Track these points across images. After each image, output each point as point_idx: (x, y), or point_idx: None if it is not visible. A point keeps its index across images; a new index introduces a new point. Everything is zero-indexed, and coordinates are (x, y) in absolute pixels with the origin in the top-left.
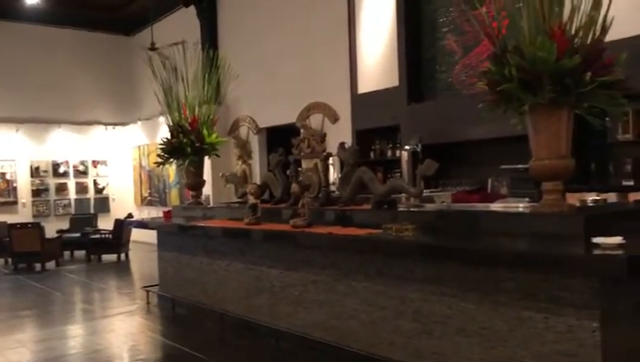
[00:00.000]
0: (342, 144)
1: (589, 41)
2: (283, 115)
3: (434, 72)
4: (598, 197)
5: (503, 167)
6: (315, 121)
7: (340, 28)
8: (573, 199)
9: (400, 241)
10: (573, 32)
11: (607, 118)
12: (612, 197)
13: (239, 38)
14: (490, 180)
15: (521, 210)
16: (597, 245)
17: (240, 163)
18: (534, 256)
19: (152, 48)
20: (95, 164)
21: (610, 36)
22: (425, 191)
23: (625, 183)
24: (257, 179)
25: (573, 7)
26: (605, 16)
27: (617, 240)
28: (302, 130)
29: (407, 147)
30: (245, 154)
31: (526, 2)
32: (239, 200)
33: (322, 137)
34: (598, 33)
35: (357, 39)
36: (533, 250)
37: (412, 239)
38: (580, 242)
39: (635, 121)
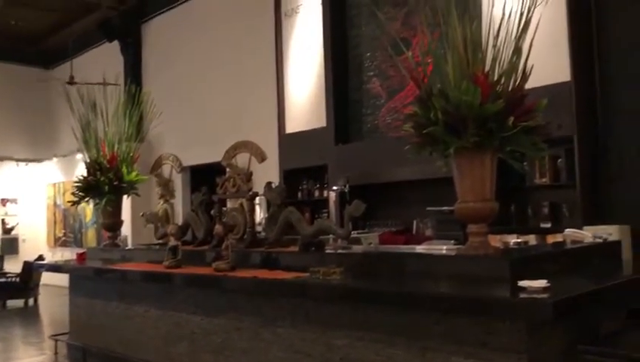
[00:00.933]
0: (269, 183)
1: (510, 87)
2: (208, 153)
3: (360, 114)
4: (519, 240)
5: (429, 208)
6: (242, 160)
7: (268, 68)
8: (495, 241)
9: (327, 285)
10: (495, 77)
11: (525, 163)
12: (532, 239)
13: (164, 75)
14: (415, 221)
15: (447, 252)
16: (523, 288)
17: (162, 202)
18: (461, 299)
19: (71, 82)
20: (4, 202)
21: (530, 83)
22: (352, 232)
23: (543, 225)
24: (180, 219)
25: (496, 53)
26: (525, 63)
27: (542, 283)
28: (228, 169)
29: (334, 187)
30: (167, 193)
31: (451, 48)
32: (159, 241)
33: (248, 176)
34: (519, 80)
35: (285, 79)
36: (460, 294)
37: (340, 283)
38: (507, 285)
39: (551, 165)
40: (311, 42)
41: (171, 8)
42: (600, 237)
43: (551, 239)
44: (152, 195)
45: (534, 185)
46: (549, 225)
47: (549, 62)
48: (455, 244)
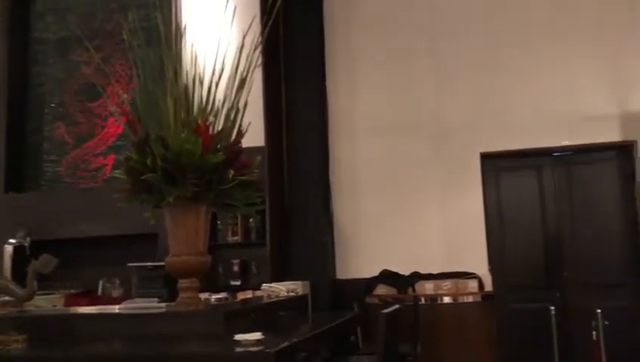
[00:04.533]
0: None
1: (230, 141)
2: None
3: (40, 161)
4: (220, 296)
5: (130, 264)
6: None
7: None
8: None
9: (7, 357)
10: (215, 130)
11: (218, 221)
12: (224, 295)
13: None
14: (101, 282)
15: (155, 310)
16: (239, 342)
17: None
18: (178, 358)
19: None
20: None
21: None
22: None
23: (233, 283)
24: None
25: (215, 107)
26: (241, 121)
27: (257, 336)
28: None
29: (12, 241)
30: None
31: (171, 93)
32: None
33: None
34: (235, 135)
35: None
36: (175, 353)
37: (24, 353)
38: (223, 340)
39: (243, 224)
40: None
41: None
42: (293, 292)
43: (241, 296)
44: None
45: (226, 243)
46: (239, 283)
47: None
48: (160, 302)
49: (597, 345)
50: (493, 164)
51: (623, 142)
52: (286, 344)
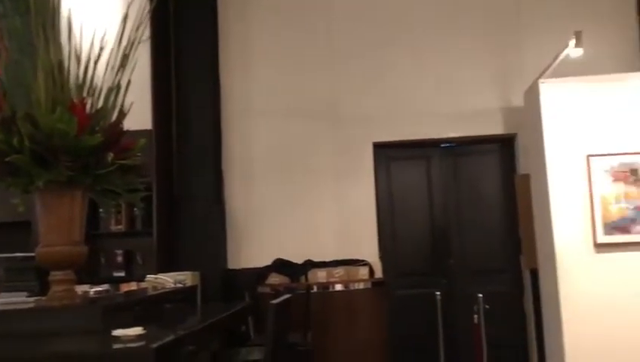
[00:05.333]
0: None
1: (110, 121)
2: None
3: None
4: (101, 288)
5: None
6: None
7: None
8: None
9: None
10: (93, 109)
11: (100, 209)
12: (106, 288)
13: None
14: None
15: (23, 306)
16: (117, 338)
17: None
18: (47, 358)
19: None
20: None
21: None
22: None
23: (116, 274)
24: None
25: (94, 84)
26: (123, 100)
27: (138, 331)
28: None
29: None
30: None
31: (42, 68)
32: None
33: None
34: (116, 115)
35: None
36: (45, 352)
37: None
38: (100, 336)
39: (128, 212)
40: None
41: None
42: (180, 283)
43: (125, 288)
44: None
45: (109, 232)
46: (122, 274)
47: (133, 109)
48: (31, 296)
49: (478, 328)
50: (385, 153)
51: (504, 134)
52: (170, 338)
